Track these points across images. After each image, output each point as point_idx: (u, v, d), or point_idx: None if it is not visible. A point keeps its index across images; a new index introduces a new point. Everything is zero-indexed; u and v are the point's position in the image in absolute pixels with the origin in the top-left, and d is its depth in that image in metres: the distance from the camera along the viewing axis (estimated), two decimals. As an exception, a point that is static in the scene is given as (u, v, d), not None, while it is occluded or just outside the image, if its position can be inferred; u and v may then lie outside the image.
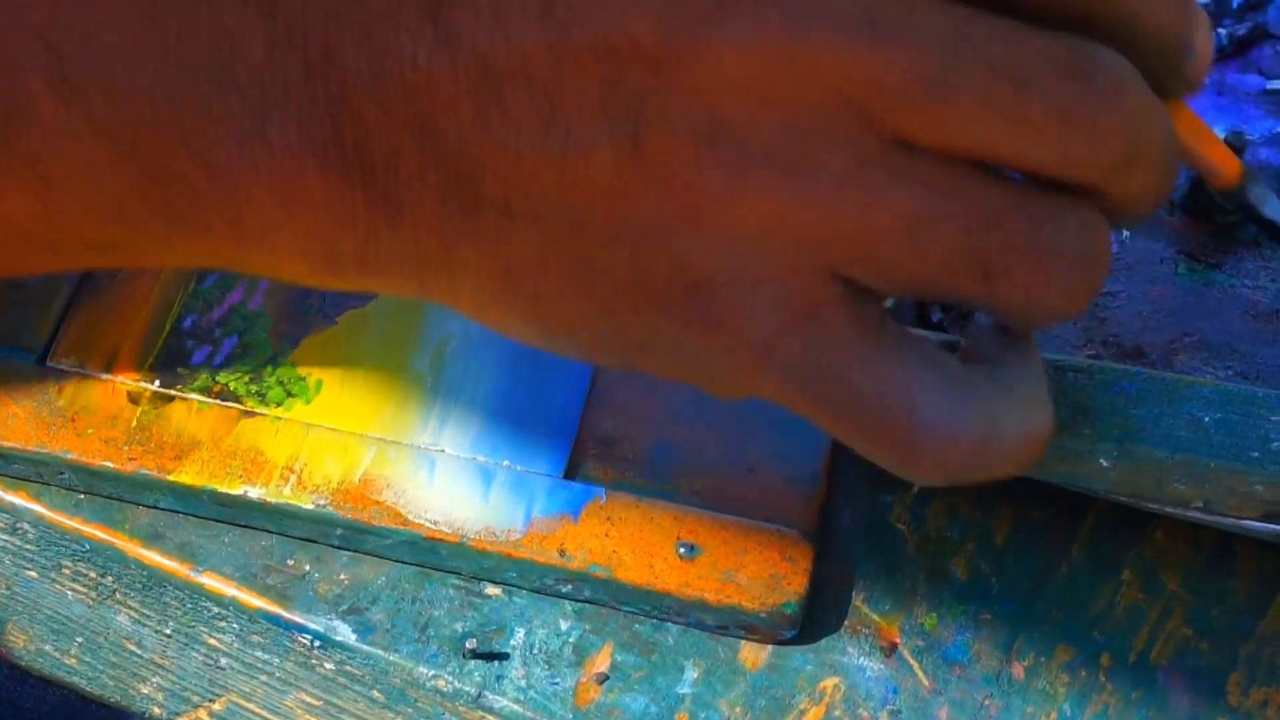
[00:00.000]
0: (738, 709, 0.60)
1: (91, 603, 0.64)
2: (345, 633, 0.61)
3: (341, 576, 0.62)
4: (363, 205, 0.44)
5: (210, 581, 0.62)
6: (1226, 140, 0.71)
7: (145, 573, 0.62)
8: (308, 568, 0.62)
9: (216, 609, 0.62)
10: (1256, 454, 0.60)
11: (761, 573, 0.62)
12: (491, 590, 0.62)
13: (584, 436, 0.65)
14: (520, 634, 0.61)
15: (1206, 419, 0.61)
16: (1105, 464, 0.61)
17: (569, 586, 0.62)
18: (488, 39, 0.43)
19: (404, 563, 0.63)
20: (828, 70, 0.42)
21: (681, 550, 0.62)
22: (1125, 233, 0.72)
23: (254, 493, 0.63)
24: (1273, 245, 0.71)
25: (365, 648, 0.61)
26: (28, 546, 0.63)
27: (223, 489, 0.63)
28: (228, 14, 0.43)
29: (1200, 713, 0.61)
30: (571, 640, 0.61)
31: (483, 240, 0.44)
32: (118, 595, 0.63)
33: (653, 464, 0.65)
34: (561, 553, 0.62)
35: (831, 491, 0.65)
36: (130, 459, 0.63)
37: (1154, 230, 0.72)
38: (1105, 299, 0.69)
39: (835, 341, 0.45)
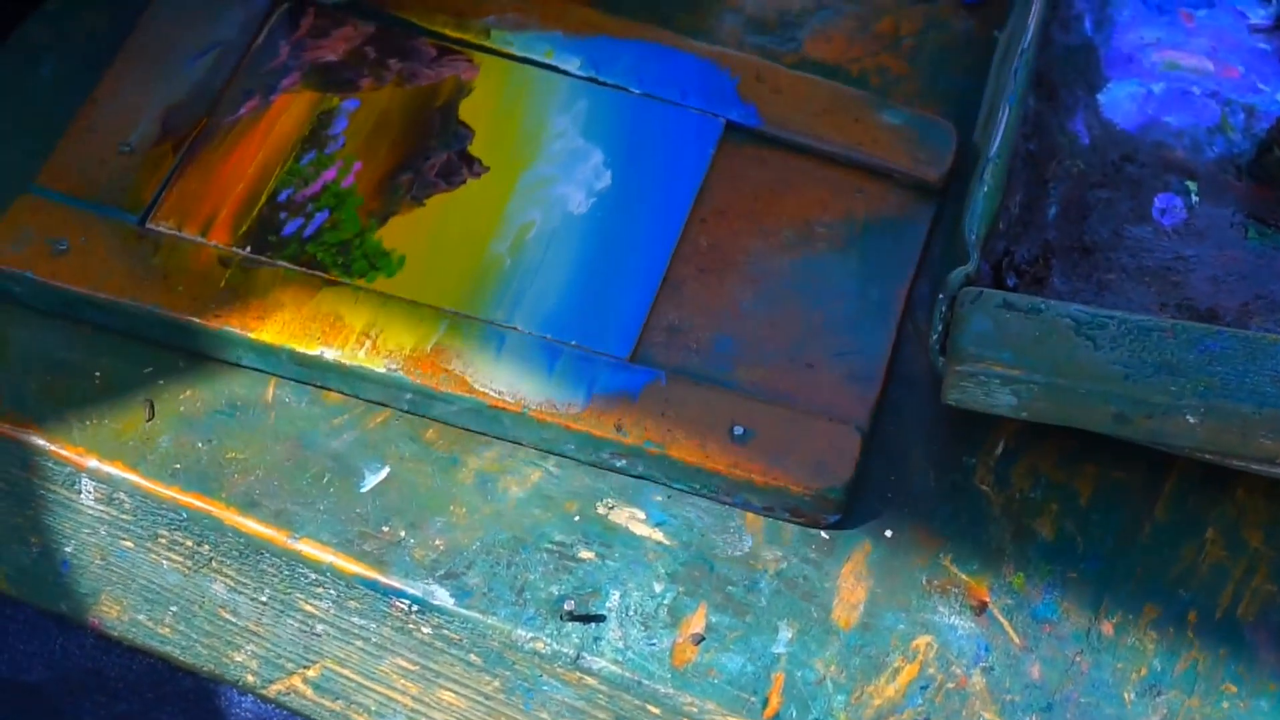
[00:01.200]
0: (833, 667, 0.61)
1: (187, 571, 0.64)
2: (443, 597, 0.61)
3: (437, 542, 0.62)
4: None
5: (307, 548, 0.62)
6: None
7: (242, 540, 0.63)
8: (403, 533, 0.62)
9: (313, 575, 0.62)
10: (1342, 409, 0.61)
11: (809, 459, 0.64)
12: (585, 554, 0.63)
13: (652, 324, 0.67)
14: (615, 596, 0.62)
15: (1292, 375, 0.62)
16: (1192, 420, 0.62)
17: (623, 461, 0.64)
18: None
19: (468, 430, 0.65)
20: None
21: (736, 432, 0.64)
22: (1195, 198, 0.72)
23: (330, 354, 0.65)
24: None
25: (463, 611, 0.61)
26: (124, 516, 0.64)
27: (300, 349, 0.65)
28: None
29: (1289, 666, 0.62)
30: (666, 602, 0.62)
31: None
32: (214, 563, 0.64)
33: (715, 354, 0.67)
34: (619, 428, 0.64)
35: (887, 393, 0.67)
36: (216, 316, 0.66)
37: (1222, 196, 0.73)
38: (1178, 263, 0.70)
39: None
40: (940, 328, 0.64)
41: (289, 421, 0.65)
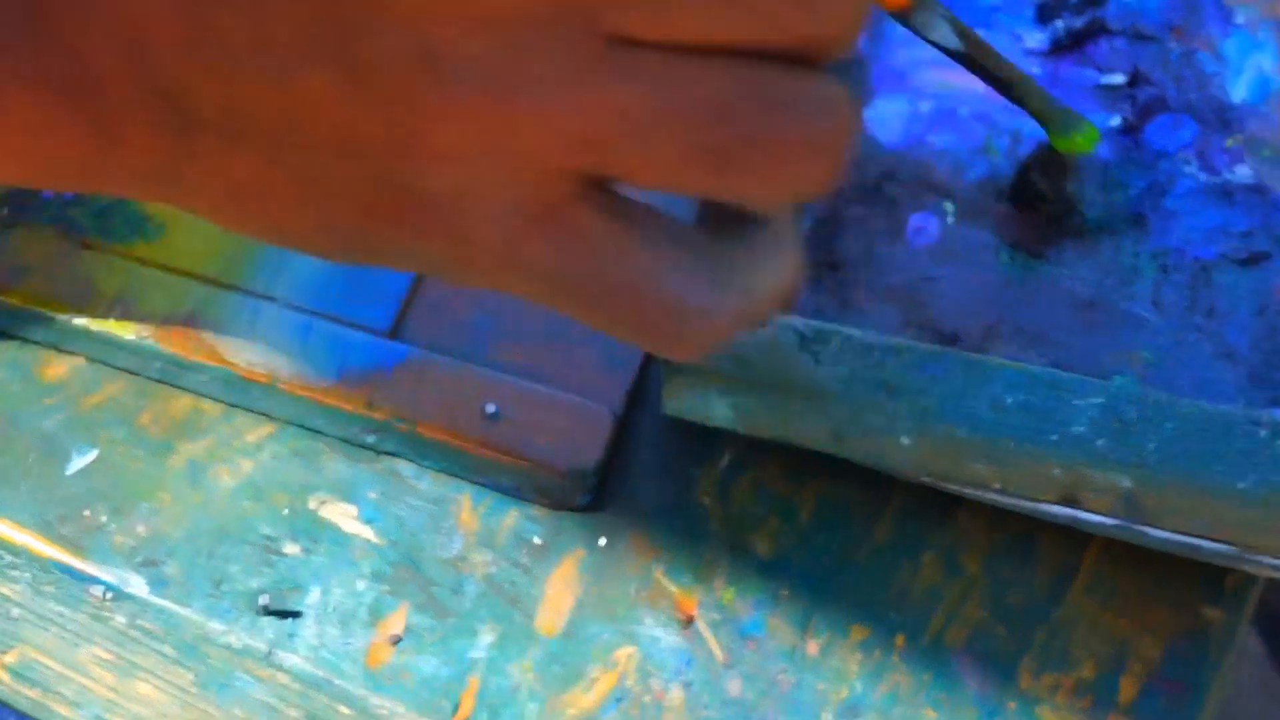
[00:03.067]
0: (530, 674, 0.60)
1: (-116, 547, 0.63)
2: (138, 585, 0.60)
3: (139, 529, 0.61)
4: (74, 125, 0.44)
5: (2, 529, 0.61)
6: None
7: (-62, 518, 0.61)
8: (104, 519, 0.61)
9: (9, 557, 0.61)
10: (1055, 437, 0.61)
11: (560, 440, 0.63)
12: (290, 549, 0.62)
13: (414, 300, 0.67)
14: (316, 593, 0.61)
15: (1009, 400, 0.61)
16: (906, 441, 0.61)
17: (373, 437, 0.64)
18: None
19: (219, 400, 0.65)
20: None
21: (488, 411, 0.64)
22: (950, 219, 0.72)
23: (79, 320, 0.65)
24: (1095, 235, 0.72)
25: (158, 601, 0.60)
26: None
27: (49, 313, 0.65)
28: None
29: (989, 694, 0.61)
30: (367, 601, 0.61)
31: (202, 161, 0.44)
32: (-89, 540, 0.62)
33: (474, 331, 0.66)
34: (369, 404, 0.64)
35: (640, 386, 0.66)
36: None
37: (980, 218, 0.72)
38: (926, 284, 0.70)
39: (580, 237, 0.44)
40: (666, 336, 0.63)
41: (0, 399, 0.64)
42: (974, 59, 0.62)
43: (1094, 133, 0.65)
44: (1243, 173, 0.74)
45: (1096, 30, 0.78)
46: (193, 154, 0.44)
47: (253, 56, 0.43)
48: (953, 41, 0.60)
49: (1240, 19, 0.79)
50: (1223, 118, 0.76)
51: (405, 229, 0.45)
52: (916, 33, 0.59)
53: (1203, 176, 0.74)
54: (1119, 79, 0.77)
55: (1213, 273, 0.71)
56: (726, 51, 0.44)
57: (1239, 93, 0.77)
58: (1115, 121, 0.76)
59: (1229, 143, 0.75)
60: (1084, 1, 0.79)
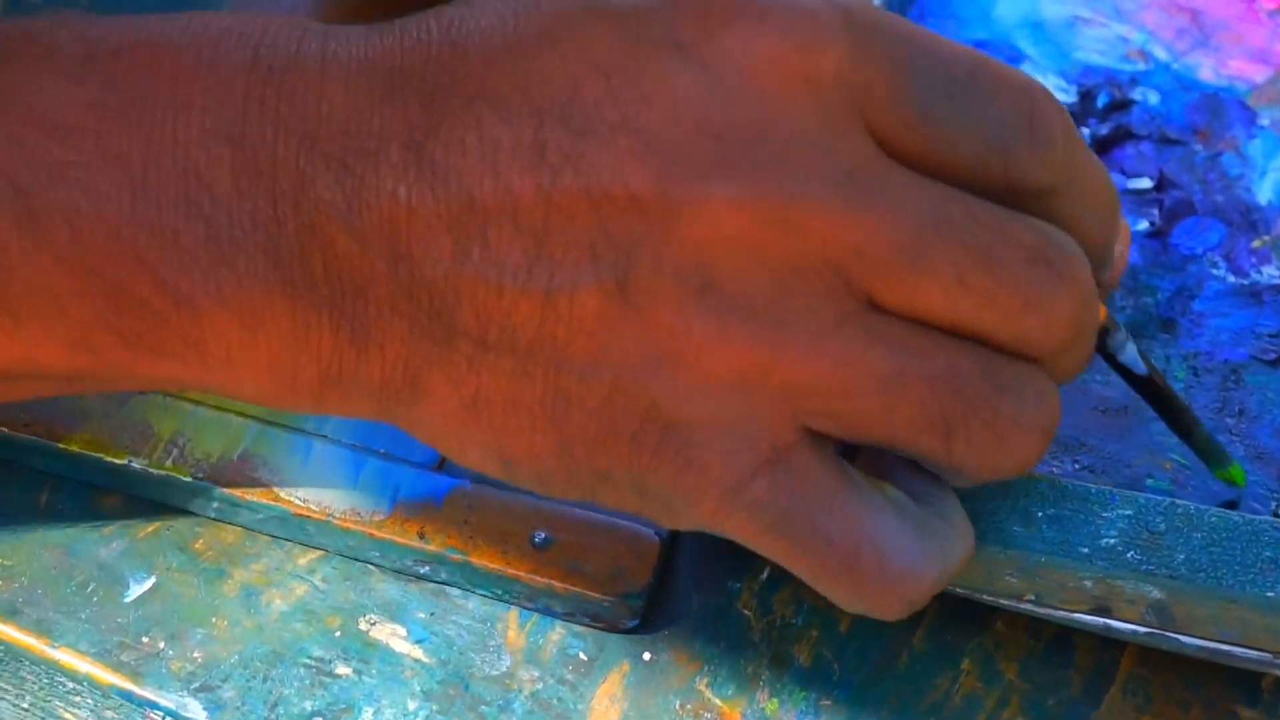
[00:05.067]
0: (578, 791, 0.62)
1: (-50, 676, 0.65)
2: (195, 709, 0.62)
3: (195, 654, 0.63)
4: (329, 331, 0.45)
5: (65, 657, 0.63)
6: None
7: (2, 647, 0.63)
8: (162, 645, 0.63)
9: (71, 684, 0.63)
10: (1086, 550, 0.62)
11: (609, 564, 0.65)
12: (342, 669, 0.63)
13: None
14: (368, 713, 0.63)
15: (1040, 514, 0.63)
16: (939, 557, 0.63)
17: (426, 568, 0.66)
18: (475, 177, 0.44)
19: (276, 537, 0.66)
20: (815, 233, 0.44)
21: (536, 539, 0.65)
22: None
23: (137, 464, 0.66)
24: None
25: (215, 725, 0.62)
26: (-114, 620, 0.64)
27: (108, 459, 0.66)
28: (194, 144, 0.45)
29: (1030, 801, 0.63)
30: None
31: (452, 368, 0.46)
32: (-24, 669, 0.64)
33: None
34: (421, 535, 0.65)
35: (678, 544, 0.68)
36: (25, 425, 0.67)
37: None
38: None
39: (803, 485, 0.47)
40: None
41: (59, 529, 0.66)
42: (1156, 385, 0.63)
43: (1242, 473, 0.67)
44: (1270, 273, 0.75)
45: (1122, 136, 0.80)
46: (444, 360, 0.45)
47: (526, 272, 0.44)
48: (1140, 366, 0.62)
49: (1265, 120, 0.80)
50: (1249, 219, 0.77)
51: (643, 454, 0.46)
52: (1104, 354, 0.60)
53: (1230, 278, 0.75)
54: (1146, 184, 0.78)
55: (1243, 374, 0.72)
56: (962, 333, 0.47)
57: (1264, 194, 0.78)
58: (1143, 225, 0.77)
59: (1256, 244, 0.76)
60: (1109, 107, 0.80)
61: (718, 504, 0.47)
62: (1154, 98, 0.81)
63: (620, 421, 0.46)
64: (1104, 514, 0.63)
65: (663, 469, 0.47)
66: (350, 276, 0.45)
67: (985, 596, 0.64)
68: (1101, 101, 0.81)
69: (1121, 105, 0.81)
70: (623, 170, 0.44)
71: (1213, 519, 0.62)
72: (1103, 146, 0.79)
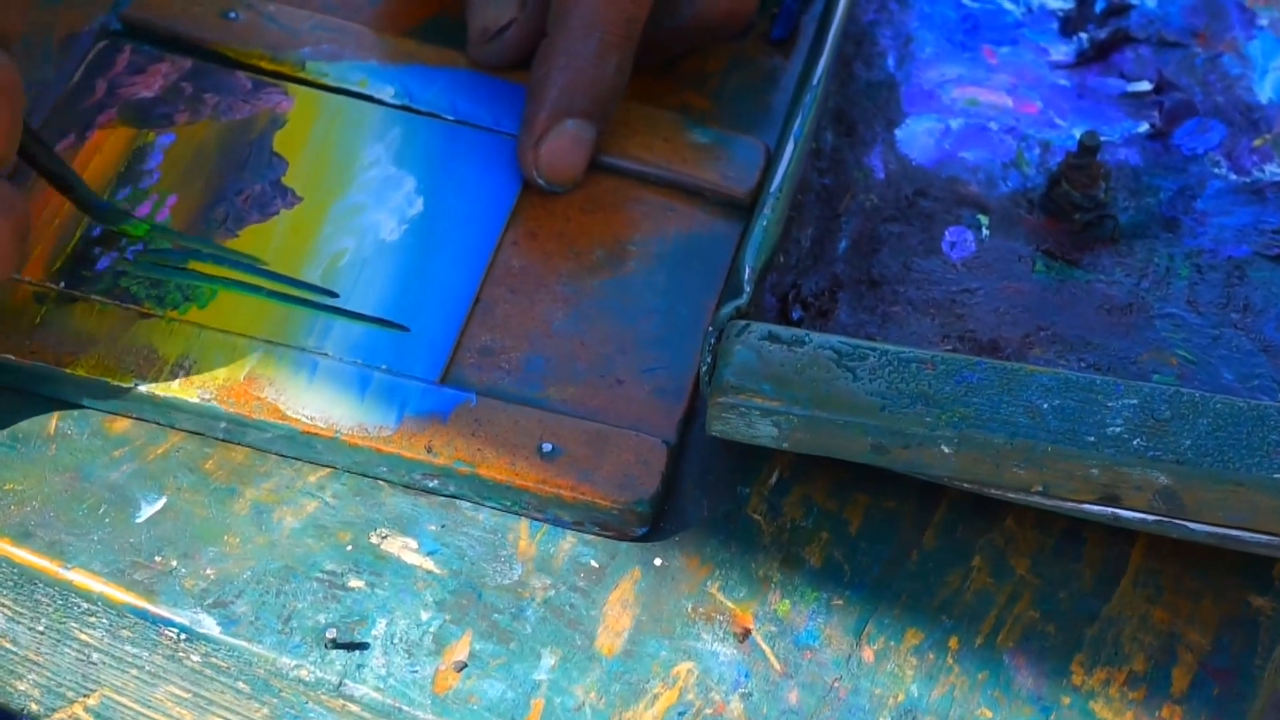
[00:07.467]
0: (593, 694, 0.62)
1: (-35, 601, 0.65)
2: (209, 625, 0.62)
3: (208, 571, 0.63)
4: None
5: (79, 578, 0.63)
6: (1083, 140, 0.73)
7: (16, 570, 0.63)
8: (175, 563, 0.63)
9: (86, 605, 0.63)
10: (1092, 438, 0.62)
11: (617, 473, 0.65)
12: (355, 583, 0.64)
13: (464, 346, 0.69)
14: (381, 624, 0.63)
15: (1045, 405, 0.63)
16: (946, 450, 0.63)
17: (435, 481, 0.66)
18: None
19: (284, 455, 0.67)
20: None
21: (544, 449, 0.66)
22: (985, 231, 0.73)
23: (143, 386, 0.66)
24: (1129, 241, 0.73)
25: (230, 640, 0.62)
26: (-99, 547, 0.65)
27: (114, 382, 0.66)
28: None
29: (1044, 692, 0.63)
30: (432, 630, 0.63)
31: None
32: (-9, 593, 0.65)
33: (526, 373, 0.69)
34: (429, 449, 0.66)
35: (691, 413, 0.68)
36: (31, 352, 0.67)
37: (1013, 229, 0.74)
38: (964, 295, 0.71)
39: None
40: (709, 360, 0.65)
41: (69, 453, 0.66)
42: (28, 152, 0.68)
43: (143, 226, 0.70)
44: (1272, 171, 0.75)
45: (1121, 40, 0.80)
46: None
47: None
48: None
49: (1264, 21, 0.80)
50: (1250, 118, 0.77)
51: None
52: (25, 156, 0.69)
53: (1232, 177, 0.75)
54: (1145, 86, 0.78)
55: (1247, 270, 0.72)
56: None
57: (1265, 93, 0.78)
58: (1144, 128, 0.77)
59: (1257, 142, 0.76)
60: (1107, 12, 0.80)
61: None
62: (1151, 1, 0.81)
63: None
64: (1109, 403, 0.63)
65: None
66: None
67: (993, 491, 0.64)
68: (1099, 6, 0.81)
69: (1119, 9, 0.81)
70: None
71: (1219, 405, 0.62)
72: (1101, 51, 0.79)
